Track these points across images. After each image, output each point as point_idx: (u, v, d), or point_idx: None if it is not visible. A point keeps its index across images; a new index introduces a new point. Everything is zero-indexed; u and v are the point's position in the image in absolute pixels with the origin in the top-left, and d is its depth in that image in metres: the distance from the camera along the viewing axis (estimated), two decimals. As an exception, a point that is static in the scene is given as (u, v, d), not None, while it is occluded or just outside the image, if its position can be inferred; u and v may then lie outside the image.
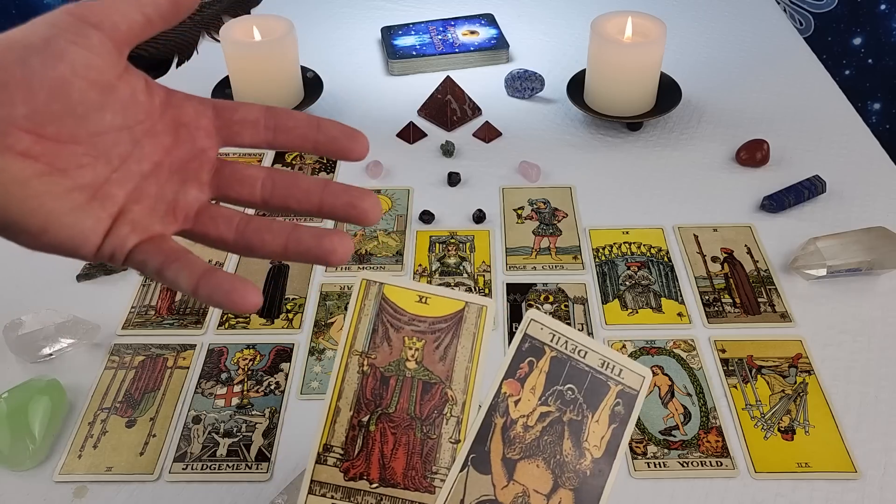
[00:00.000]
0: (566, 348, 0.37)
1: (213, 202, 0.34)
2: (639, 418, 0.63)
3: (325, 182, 0.33)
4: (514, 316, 0.73)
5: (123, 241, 0.31)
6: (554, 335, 0.37)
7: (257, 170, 0.34)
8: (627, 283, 0.76)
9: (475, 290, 0.75)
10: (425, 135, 0.97)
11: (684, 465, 0.60)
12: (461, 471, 0.35)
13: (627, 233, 0.82)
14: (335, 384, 0.38)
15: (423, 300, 0.39)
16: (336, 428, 0.36)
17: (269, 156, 0.94)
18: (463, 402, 0.37)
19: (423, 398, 0.37)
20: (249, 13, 1.23)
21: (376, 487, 0.35)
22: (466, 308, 0.39)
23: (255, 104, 0.35)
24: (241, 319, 0.73)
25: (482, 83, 1.05)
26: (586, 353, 0.37)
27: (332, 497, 0.35)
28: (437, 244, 0.81)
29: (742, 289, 0.75)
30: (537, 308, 0.34)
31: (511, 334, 0.71)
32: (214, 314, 0.74)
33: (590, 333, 0.71)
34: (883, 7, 1.51)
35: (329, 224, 0.78)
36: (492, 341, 0.38)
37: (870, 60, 1.57)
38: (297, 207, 0.33)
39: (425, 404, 0.37)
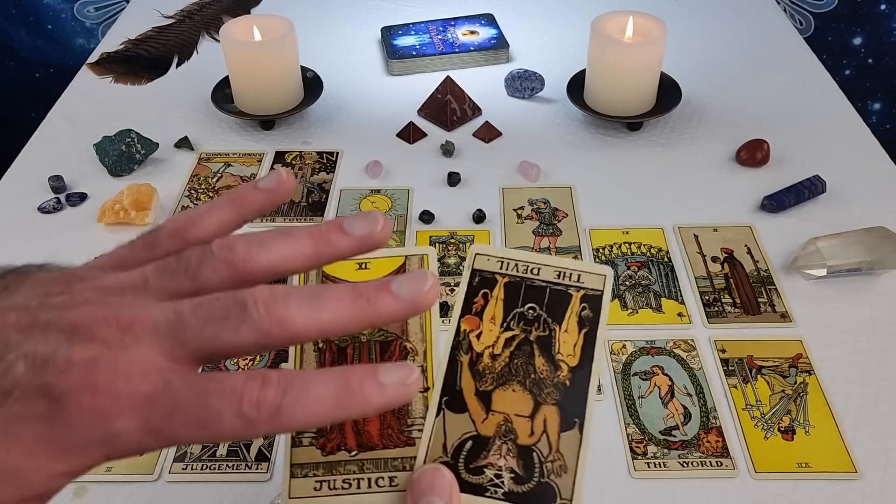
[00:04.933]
0: (518, 271, 0.37)
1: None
2: (639, 418, 0.63)
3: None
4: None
5: None
6: (502, 262, 0.37)
7: None
8: (627, 283, 0.76)
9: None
10: (425, 135, 0.97)
11: (684, 465, 0.60)
12: (437, 416, 0.35)
13: (627, 233, 0.82)
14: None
15: (363, 266, 0.38)
16: None
17: (270, 155, 0.94)
18: (424, 350, 0.37)
19: (382, 358, 0.37)
20: (249, 13, 1.23)
21: (356, 455, 0.35)
22: (407, 261, 0.38)
23: None
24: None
25: (482, 83, 1.05)
26: (539, 269, 0.37)
27: (315, 475, 0.35)
28: (437, 244, 0.81)
29: (742, 289, 0.75)
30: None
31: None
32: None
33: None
34: (883, 7, 1.51)
35: None
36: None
37: (870, 60, 1.57)
38: None
39: (385, 362, 0.37)
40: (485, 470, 0.33)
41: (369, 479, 0.34)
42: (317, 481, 0.35)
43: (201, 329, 0.27)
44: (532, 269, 0.37)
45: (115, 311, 0.27)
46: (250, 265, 0.29)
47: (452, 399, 0.35)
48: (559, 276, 0.37)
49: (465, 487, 0.33)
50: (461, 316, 0.36)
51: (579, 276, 0.37)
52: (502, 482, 0.33)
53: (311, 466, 0.35)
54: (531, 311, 0.36)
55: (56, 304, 0.27)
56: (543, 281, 0.36)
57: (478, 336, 0.36)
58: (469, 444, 0.34)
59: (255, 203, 0.33)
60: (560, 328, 0.36)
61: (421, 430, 0.35)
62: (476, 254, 0.37)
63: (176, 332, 0.27)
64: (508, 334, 0.36)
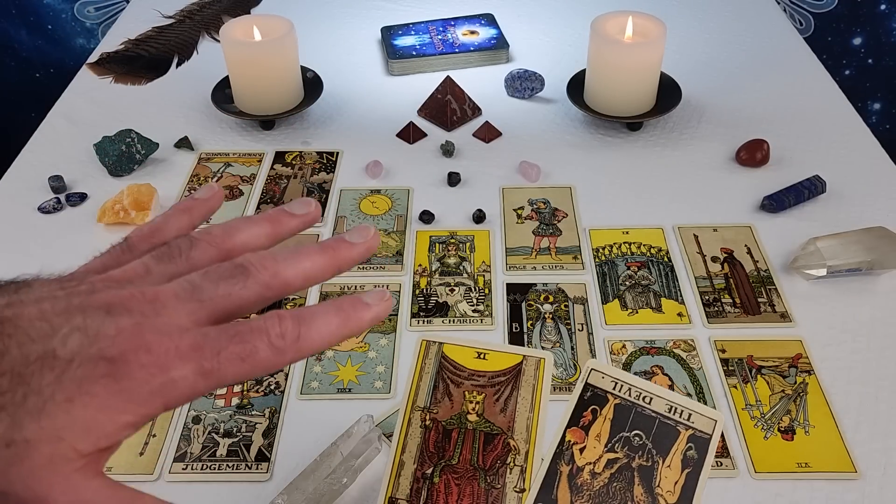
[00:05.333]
0: (630, 395, 0.37)
1: None
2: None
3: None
4: (514, 316, 0.73)
5: None
6: (616, 383, 0.37)
7: None
8: (627, 283, 0.76)
9: (475, 289, 0.75)
10: (425, 135, 0.97)
11: (684, 465, 0.60)
12: None
13: (627, 233, 0.82)
14: (398, 439, 0.39)
15: (482, 356, 0.39)
16: (401, 481, 0.36)
17: (270, 155, 0.94)
18: (526, 451, 0.37)
19: (485, 449, 0.38)
20: (249, 13, 1.23)
21: None
22: (525, 361, 0.39)
23: None
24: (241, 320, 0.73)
25: (482, 83, 1.05)
26: (651, 399, 0.37)
27: None
28: (437, 244, 0.81)
29: (742, 289, 0.75)
30: (594, 359, 0.35)
31: (511, 333, 0.71)
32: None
33: (590, 333, 0.71)
34: (883, 7, 1.51)
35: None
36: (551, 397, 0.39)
37: (870, 60, 1.57)
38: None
39: (488, 454, 0.37)
40: None
41: None
42: None
43: (215, 288, 0.31)
44: (645, 398, 0.37)
45: (138, 289, 0.31)
46: (229, 243, 0.35)
47: None
48: (670, 410, 0.37)
49: None
50: (567, 426, 0.36)
51: (690, 415, 0.37)
52: None
53: None
54: (637, 438, 0.36)
55: (81, 292, 0.30)
56: (654, 411, 0.37)
57: (581, 450, 0.36)
58: None
59: (202, 210, 0.38)
60: (663, 462, 0.36)
61: None
62: (592, 369, 0.38)
63: (194, 294, 0.31)
64: (612, 455, 0.36)
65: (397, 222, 0.84)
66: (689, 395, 0.65)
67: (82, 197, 0.87)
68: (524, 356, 0.39)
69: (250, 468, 0.61)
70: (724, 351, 0.69)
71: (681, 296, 0.75)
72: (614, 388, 0.37)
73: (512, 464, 0.37)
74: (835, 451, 0.61)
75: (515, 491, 0.36)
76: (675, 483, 0.35)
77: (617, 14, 0.94)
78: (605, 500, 0.35)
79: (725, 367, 0.67)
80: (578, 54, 1.00)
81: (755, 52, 1.11)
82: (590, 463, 0.36)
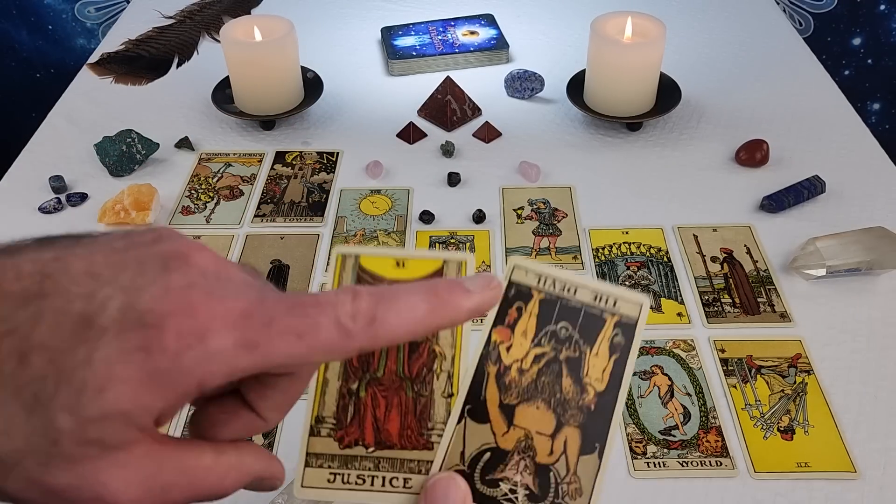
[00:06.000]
0: (554, 288, 0.36)
1: None
2: (638, 418, 0.63)
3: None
4: (514, 316, 0.73)
5: None
6: (540, 277, 0.36)
7: None
8: (627, 282, 0.76)
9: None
10: (425, 135, 0.97)
11: (684, 464, 0.60)
12: (458, 423, 0.34)
13: (627, 233, 0.82)
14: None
15: (401, 264, 0.38)
16: (326, 399, 0.35)
17: (270, 155, 0.94)
18: (452, 356, 0.36)
19: (410, 358, 0.37)
20: (250, 13, 1.23)
21: (373, 451, 0.35)
22: (445, 265, 0.38)
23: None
24: (241, 319, 0.73)
25: (482, 83, 1.05)
26: (576, 289, 0.36)
27: (329, 466, 0.35)
28: (437, 244, 0.81)
29: (741, 289, 0.75)
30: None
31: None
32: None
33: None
34: (882, 7, 1.51)
35: None
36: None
37: (869, 61, 1.57)
38: None
39: (413, 363, 0.36)
40: (500, 483, 0.33)
41: (384, 477, 0.34)
42: (331, 473, 0.35)
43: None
44: (569, 289, 0.36)
45: (211, 253, 0.28)
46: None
47: (475, 408, 0.35)
48: (595, 298, 0.36)
49: (478, 498, 0.33)
50: (493, 326, 0.36)
51: (616, 301, 0.37)
52: (516, 497, 0.33)
53: (326, 458, 0.35)
54: (564, 331, 0.36)
55: (144, 242, 0.27)
56: (579, 302, 0.36)
57: (508, 349, 0.36)
58: (487, 455, 0.34)
59: None
60: (591, 351, 0.36)
61: (440, 436, 0.35)
62: (515, 266, 0.37)
63: (268, 299, 0.27)
64: (538, 350, 0.36)
65: (397, 222, 0.84)
66: (688, 394, 0.65)
67: (83, 197, 0.87)
68: (444, 260, 0.38)
69: (251, 468, 0.60)
70: (723, 351, 0.69)
71: (680, 296, 0.75)
72: (538, 283, 0.36)
73: (438, 370, 0.36)
74: (834, 451, 0.61)
75: (443, 397, 0.36)
76: (603, 370, 0.35)
77: (616, 14, 0.94)
78: (533, 395, 0.35)
79: (725, 367, 0.68)
80: (578, 54, 1.00)
81: (755, 53, 1.11)
82: (517, 360, 0.35)
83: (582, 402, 0.35)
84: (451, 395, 0.36)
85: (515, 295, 0.36)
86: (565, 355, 0.36)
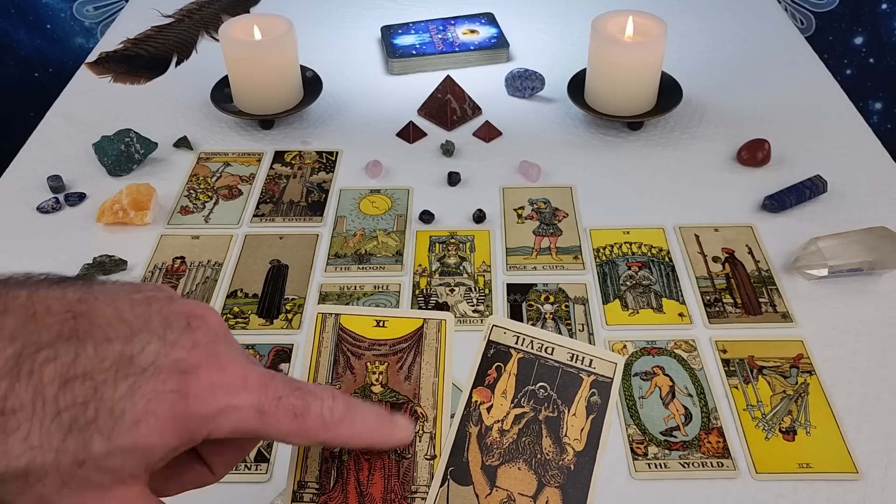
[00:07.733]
0: (532, 348, 0.37)
1: None
2: (640, 418, 0.63)
3: None
4: (514, 316, 0.72)
5: None
6: (518, 337, 0.37)
7: None
8: (628, 283, 0.76)
9: (475, 289, 0.75)
10: (425, 134, 0.97)
11: (685, 465, 0.60)
12: (441, 486, 0.35)
13: (628, 233, 0.81)
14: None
15: (381, 324, 0.38)
16: (308, 464, 0.36)
17: (269, 155, 0.94)
18: (434, 417, 0.37)
19: None
20: (249, 12, 1.23)
21: None
22: (425, 325, 0.38)
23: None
24: (239, 320, 0.73)
25: (482, 82, 1.05)
26: (553, 349, 0.37)
27: None
28: (437, 244, 0.81)
29: (743, 289, 0.75)
30: (499, 318, 0.35)
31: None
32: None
33: (591, 334, 0.71)
34: (884, 6, 1.51)
35: None
36: (458, 352, 0.38)
37: (871, 60, 1.57)
38: None
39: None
40: None
41: None
42: None
43: (288, 390, 0.31)
44: (547, 349, 0.37)
45: (217, 315, 0.31)
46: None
47: (458, 470, 0.35)
48: (572, 358, 0.37)
49: None
50: (473, 386, 0.36)
51: (591, 360, 0.37)
52: None
53: None
54: (542, 390, 0.36)
55: (161, 298, 0.30)
56: (556, 361, 0.37)
57: (488, 409, 0.36)
58: None
59: None
60: (569, 411, 0.36)
61: (424, 499, 0.35)
62: (493, 325, 0.38)
63: (265, 375, 0.31)
64: (518, 411, 0.36)
65: (397, 222, 0.83)
66: (689, 395, 0.65)
67: (81, 197, 0.87)
68: (424, 319, 0.38)
69: (250, 469, 0.60)
70: (725, 351, 0.69)
71: (682, 296, 0.74)
72: (517, 343, 0.37)
73: (420, 431, 0.36)
74: (836, 452, 0.61)
75: (426, 459, 0.36)
76: (581, 430, 0.36)
77: (617, 13, 0.93)
78: (514, 456, 0.35)
79: (726, 368, 0.67)
80: (579, 54, 1.00)
81: (756, 52, 1.11)
82: (498, 421, 0.36)
83: (562, 463, 0.35)
84: (433, 457, 0.36)
85: (495, 355, 0.37)
86: (544, 415, 0.36)
